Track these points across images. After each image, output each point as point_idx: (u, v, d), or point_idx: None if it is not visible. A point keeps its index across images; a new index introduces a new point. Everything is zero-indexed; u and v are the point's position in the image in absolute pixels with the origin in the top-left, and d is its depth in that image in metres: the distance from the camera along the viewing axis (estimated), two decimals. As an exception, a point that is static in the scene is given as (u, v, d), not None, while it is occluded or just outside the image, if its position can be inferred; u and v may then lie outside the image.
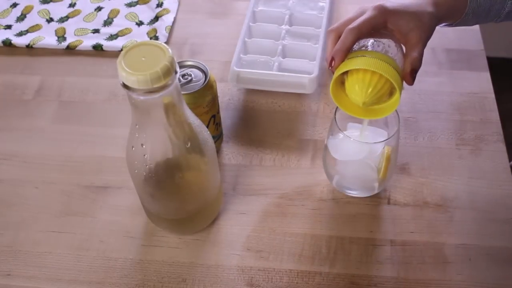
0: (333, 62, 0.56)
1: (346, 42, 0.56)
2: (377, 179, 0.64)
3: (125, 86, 0.49)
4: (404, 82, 0.57)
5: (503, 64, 1.65)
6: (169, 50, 0.49)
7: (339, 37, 0.58)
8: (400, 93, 0.54)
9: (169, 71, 0.48)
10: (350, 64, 0.55)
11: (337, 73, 0.55)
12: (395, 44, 0.58)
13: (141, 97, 0.50)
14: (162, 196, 0.60)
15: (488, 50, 0.85)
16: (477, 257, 0.63)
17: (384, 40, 0.58)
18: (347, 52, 0.56)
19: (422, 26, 0.57)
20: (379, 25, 0.57)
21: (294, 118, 0.77)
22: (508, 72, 1.63)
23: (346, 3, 0.91)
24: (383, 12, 0.57)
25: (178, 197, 0.61)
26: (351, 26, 0.56)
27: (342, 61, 0.56)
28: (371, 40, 0.57)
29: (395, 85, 0.54)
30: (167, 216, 0.63)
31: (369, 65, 0.53)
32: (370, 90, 0.54)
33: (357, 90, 0.55)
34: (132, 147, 0.56)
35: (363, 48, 0.56)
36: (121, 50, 0.85)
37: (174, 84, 0.50)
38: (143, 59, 0.49)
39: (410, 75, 0.56)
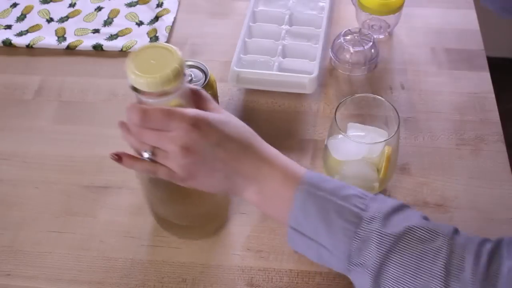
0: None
1: None
2: (377, 179, 0.64)
3: (134, 89, 0.48)
4: None
5: (503, 64, 1.65)
6: (178, 52, 0.49)
7: None
8: None
9: (179, 74, 0.48)
10: None
11: None
12: None
13: (150, 100, 0.49)
14: (171, 199, 0.60)
15: (488, 50, 0.85)
16: (477, 257, 0.63)
17: None
18: None
19: None
20: None
21: (294, 118, 0.77)
22: (508, 72, 1.63)
23: (346, 3, 0.91)
24: None
25: (188, 200, 0.60)
26: None
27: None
28: None
29: None
30: (177, 221, 0.63)
31: None
32: None
33: None
34: None
35: None
36: (121, 50, 0.85)
37: (183, 86, 0.50)
38: (152, 61, 0.48)
39: None
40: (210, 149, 0.50)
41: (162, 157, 0.51)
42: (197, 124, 0.49)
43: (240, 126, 0.54)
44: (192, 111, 0.50)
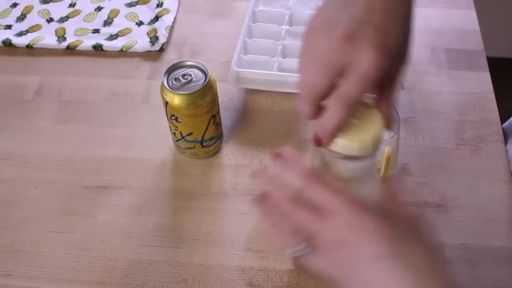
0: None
1: None
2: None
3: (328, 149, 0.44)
4: None
5: (503, 64, 1.65)
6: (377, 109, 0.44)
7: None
8: None
9: (380, 138, 0.44)
10: None
11: None
12: None
13: (340, 163, 0.44)
14: None
15: (488, 50, 0.85)
16: (477, 257, 0.63)
17: None
18: None
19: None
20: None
21: (294, 118, 0.77)
22: (508, 72, 1.63)
23: (346, 3, 0.91)
24: (386, 65, 0.41)
25: None
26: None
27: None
28: None
29: None
30: None
31: None
32: None
33: None
34: None
35: None
36: (121, 50, 0.85)
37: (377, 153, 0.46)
38: (355, 121, 0.43)
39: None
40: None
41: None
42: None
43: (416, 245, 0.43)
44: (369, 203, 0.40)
